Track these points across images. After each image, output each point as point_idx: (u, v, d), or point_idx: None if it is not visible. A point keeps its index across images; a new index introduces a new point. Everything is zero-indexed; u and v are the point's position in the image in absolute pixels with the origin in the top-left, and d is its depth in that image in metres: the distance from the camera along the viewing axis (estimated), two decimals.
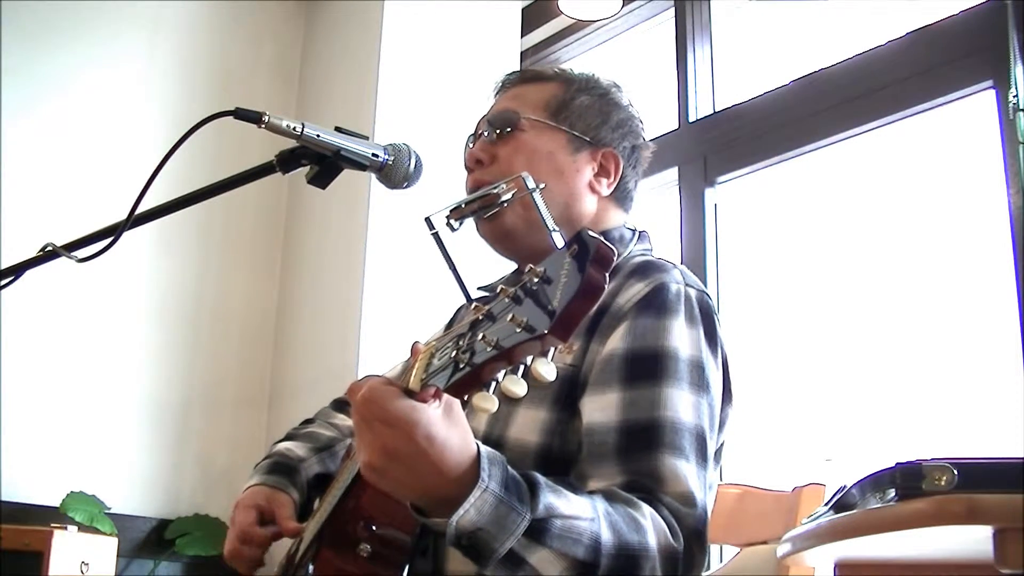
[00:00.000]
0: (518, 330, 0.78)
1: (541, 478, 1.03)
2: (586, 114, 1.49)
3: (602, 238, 0.79)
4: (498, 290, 0.84)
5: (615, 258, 0.79)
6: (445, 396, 0.92)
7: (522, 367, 0.82)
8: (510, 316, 0.79)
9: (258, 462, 1.55)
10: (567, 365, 1.29)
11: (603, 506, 1.08)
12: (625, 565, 1.06)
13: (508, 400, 0.84)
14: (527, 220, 1.41)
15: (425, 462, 0.93)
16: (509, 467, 1.00)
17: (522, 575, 1.01)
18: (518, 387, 0.82)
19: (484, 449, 0.98)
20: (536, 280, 0.80)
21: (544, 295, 0.78)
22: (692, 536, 1.16)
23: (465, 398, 0.90)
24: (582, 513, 1.04)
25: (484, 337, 0.81)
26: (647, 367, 1.24)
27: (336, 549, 1.19)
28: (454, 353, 0.86)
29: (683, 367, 1.25)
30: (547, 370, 0.81)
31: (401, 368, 1.67)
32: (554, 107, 1.49)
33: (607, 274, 0.78)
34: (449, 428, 0.94)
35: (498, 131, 1.47)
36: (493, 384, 0.84)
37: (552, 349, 0.81)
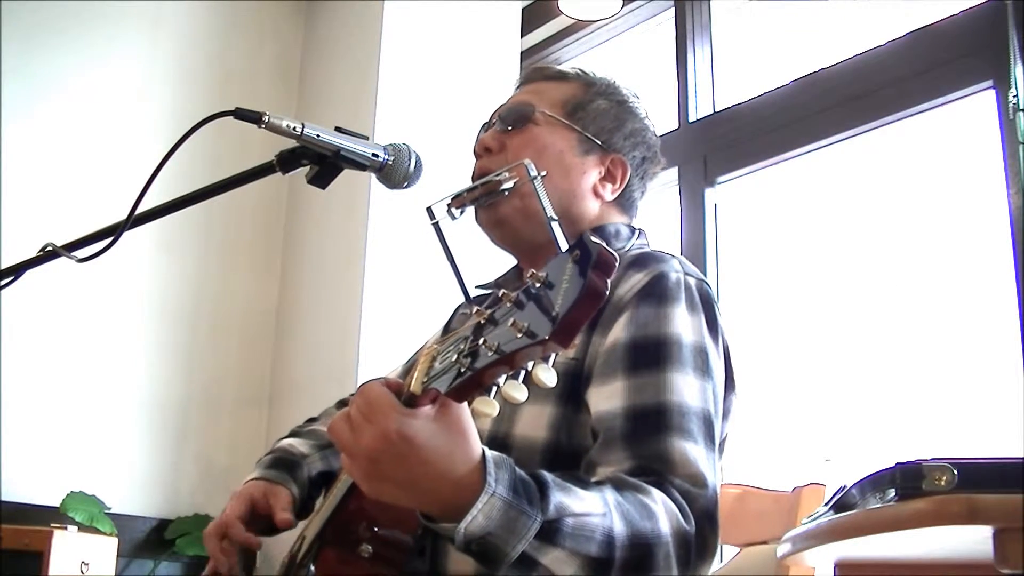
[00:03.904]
0: (519, 335, 0.78)
1: (550, 477, 1.02)
2: (601, 118, 1.49)
3: (604, 244, 0.79)
4: (500, 294, 0.84)
5: (616, 264, 0.79)
6: (439, 403, 0.92)
7: (523, 372, 0.82)
8: (511, 321, 0.79)
9: (261, 457, 1.55)
10: (570, 359, 1.29)
11: (614, 497, 1.07)
12: (639, 555, 1.06)
13: None
14: (525, 210, 1.41)
15: (412, 469, 0.92)
16: (517, 468, 0.99)
17: (536, 575, 1.00)
18: (519, 392, 0.82)
19: (490, 453, 0.97)
20: (538, 285, 0.80)
21: (545, 300, 0.78)
22: (704, 517, 1.16)
23: (466, 402, 0.90)
24: (594, 509, 1.03)
25: (486, 342, 0.81)
26: (651, 354, 1.24)
27: (338, 549, 1.18)
28: (455, 357, 0.86)
29: (687, 352, 1.25)
30: (548, 376, 0.81)
31: (403, 369, 1.67)
32: (571, 107, 1.49)
33: (608, 280, 0.78)
34: (444, 435, 0.93)
35: (511, 123, 1.48)
36: (494, 389, 0.84)
37: (553, 355, 0.80)
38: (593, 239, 0.79)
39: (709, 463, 1.20)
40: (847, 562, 1.19)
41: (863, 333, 2.76)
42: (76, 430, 3.16)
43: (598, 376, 1.26)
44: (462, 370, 0.83)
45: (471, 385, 0.84)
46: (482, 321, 0.84)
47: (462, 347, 0.86)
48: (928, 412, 2.55)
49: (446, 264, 1.36)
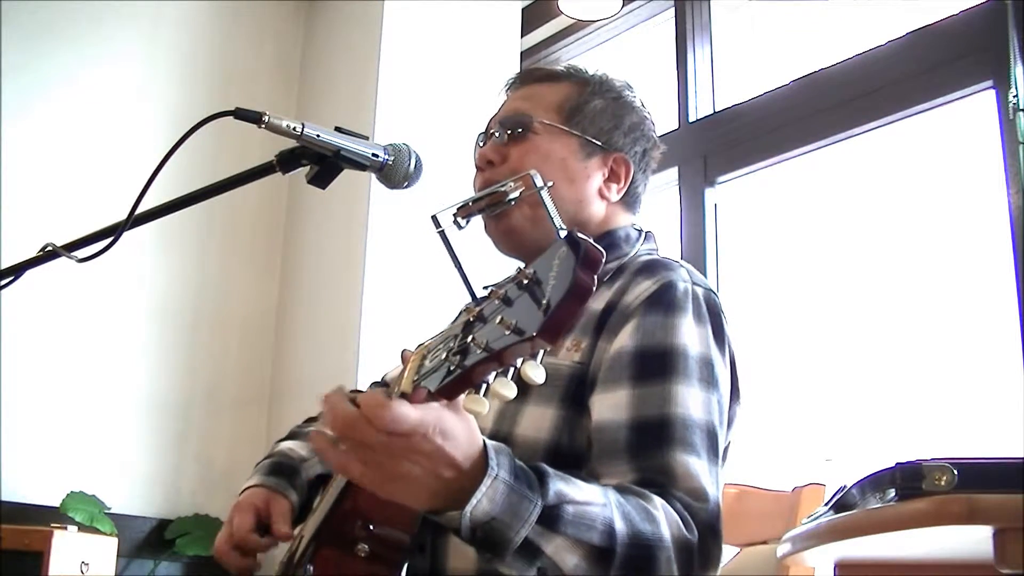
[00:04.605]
0: (507, 332, 0.78)
1: (548, 467, 1.03)
2: (599, 118, 1.48)
3: (591, 240, 0.79)
4: (489, 291, 0.84)
5: (603, 259, 0.79)
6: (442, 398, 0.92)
7: (512, 369, 0.82)
8: (499, 318, 0.79)
9: (259, 461, 1.55)
10: (575, 363, 1.29)
11: (615, 496, 1.08)
12: (640, 555, 1.06)
13: (517, 396, 0.84)
14: (534, 220, 1.41)
15: (441, 460, 0.92)
16: (515, 458, 1.00)
17: (539, 566, 1.00)
18: (508, 390, 0.83)
19: (490, 441, 0.98)
20: (525, 281, 0.80)
21: (533, 297, 0.78)
22: (706, 530, 1.16)
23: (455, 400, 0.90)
24: (593, 499, 1.04)
25: (474, 339, 0.81)
26: (656, 364, 1.24)
27: (334, 549, 1.18)
28: (445, 355, 0.86)
29: (692, 364, 1.25)
30: (536, 373, 0.81)
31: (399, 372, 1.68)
32: (567, 110, 1.48)
33: (595, 276, 0.78)
34: (459, 423, 0.93)
35: (509, 132, 1.47)
36: (484, 386, 0.84)
37: (541, 352, 0.81)
38: (580, 235, 0.79)
39: (711, 477, 1.20)
40: (847, 562, 1.19)
41: (863, 333, 2.76)
42: (76, 430, 3.15)
43: (602, 383, 1.26)
44: (451, 368, 0.84)
45: (461, 383, 0.84)
46: (471, 318, 0.85)
47: (451, 345, 0.86)
48: (928, 412, 2.55)
49: (452, 268, 1.36)
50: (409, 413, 0.90)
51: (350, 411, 0.91)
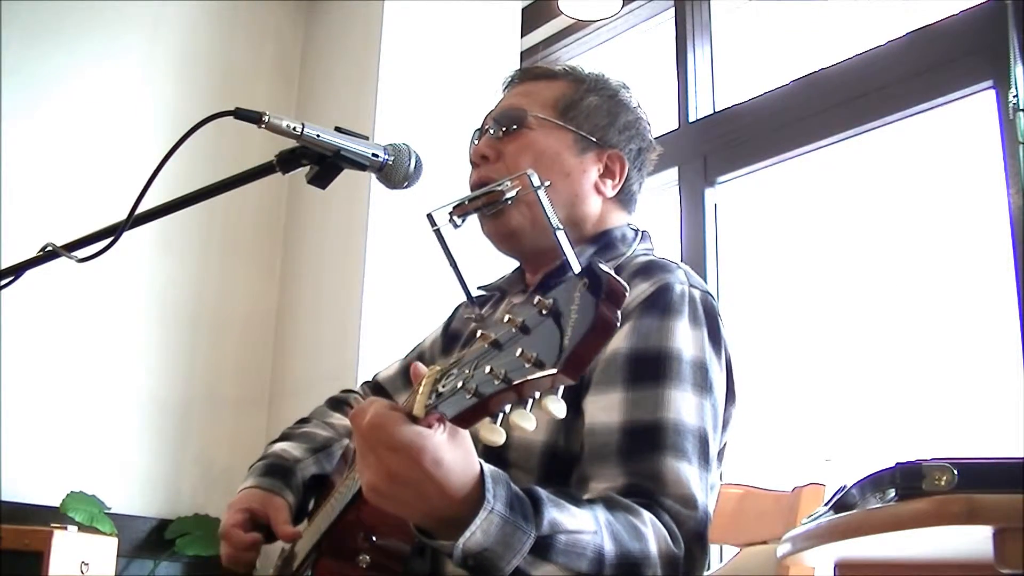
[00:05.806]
0: (527, 365, 0.76)
1: (544, 493, 1.02)
2: (594, 115, 1.49)
3: (612, 271, 0.77)
4: (505, 319, 0.82)
5: (626, 293, 0.77)
6: (448, 425, 0.92)
7: (531, 401, 0.80)
8: (519, 350, 0.78)
9: (253, 463, 1.55)
10: None
11: (604, 516, 1.08)
12: (627, 574, 1.06)
13: None
14: (532, 219, 1.41)
15: (431, 486, 0.92)
16: (512, 484, 0.99)
17: None
18: (526, 421, 0.81)
19: (487, 468, 0.97)
20: (544, 312, 0.78)
21: (554, 330, 0.76)
22: (693, 538, 1.17)
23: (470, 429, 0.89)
24: (585, 527, 1.04)
25: (492, 369, 0.79)
26: (650, 368, 1.24)
27: (335, 560, 1.18)
28: (460, 383, 0.84)
29: (686, 368, 1.25)
30: (557, 407, 0.79)
31: (399, 367, 1.67)
32: (562, 106, 1.48)
33: (619, 311, 0.76)
34: (454, 451, 0.93)
35: (504, 128, 1.47)
36: (500, 415, 0.82)
37: (561, 387, 0.79)
38: (603, 267, 0.77)
39: (701, 484, 1.20)
40: (847, 562, 1.19)
41: (863, 333, 2.76)
42: (76, 430, 3.16)
43: (596, 384, 1.26)
44: (468, 396, 0.82)
45: (477, 412, 0.83)
46: (487, 346, 0.83)
47: (467, 371, 0.84)
48: (928, 412, 2.55)
49: (448, 267, 1.36)
50: (405, 433, 0.90)
51: (377, 410, 0.92)
